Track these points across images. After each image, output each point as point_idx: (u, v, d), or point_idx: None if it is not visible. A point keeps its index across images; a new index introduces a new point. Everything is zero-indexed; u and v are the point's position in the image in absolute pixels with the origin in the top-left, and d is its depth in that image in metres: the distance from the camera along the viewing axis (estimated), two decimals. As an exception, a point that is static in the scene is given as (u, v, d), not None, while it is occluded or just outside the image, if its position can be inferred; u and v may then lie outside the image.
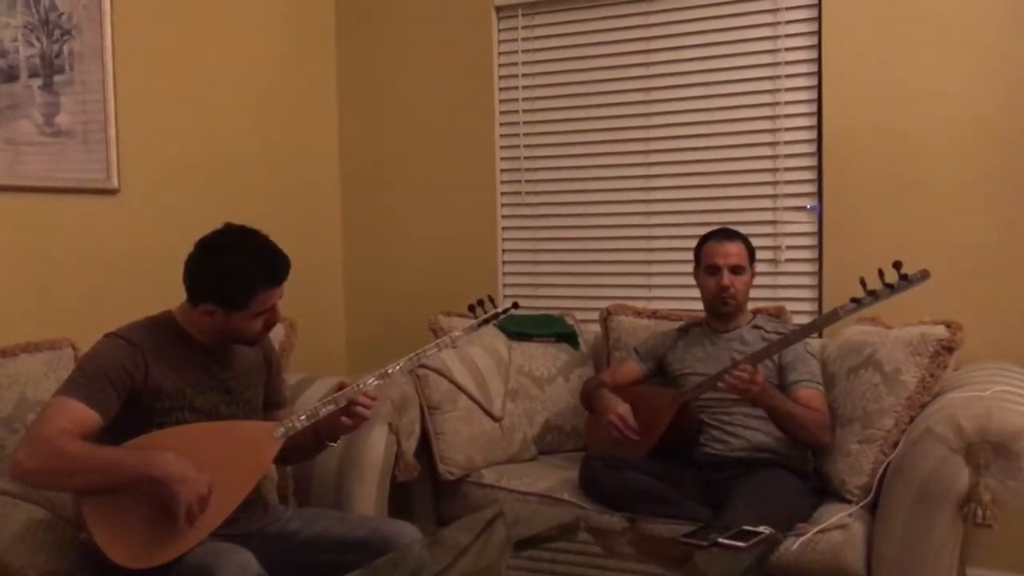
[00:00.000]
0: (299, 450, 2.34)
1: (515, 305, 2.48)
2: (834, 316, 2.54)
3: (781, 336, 2.69)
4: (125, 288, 2.97)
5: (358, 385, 2.20)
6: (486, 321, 2.42)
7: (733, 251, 2.81)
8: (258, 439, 2.16)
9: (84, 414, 1.97)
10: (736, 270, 2.81)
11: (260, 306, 2.13)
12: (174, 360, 2.13)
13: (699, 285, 2.91)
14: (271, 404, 2.40)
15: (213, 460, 2.02)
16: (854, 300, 2.50)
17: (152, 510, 1.97)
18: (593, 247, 3.60)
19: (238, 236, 2.14)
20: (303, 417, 2.18)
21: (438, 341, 2.34)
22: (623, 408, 2.83)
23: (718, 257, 2.81)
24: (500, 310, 2.43)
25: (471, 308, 2.44)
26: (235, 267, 2.09)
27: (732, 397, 2.75)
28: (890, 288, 2.46)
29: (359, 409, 2.21)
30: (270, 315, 2.17)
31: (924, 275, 2.45)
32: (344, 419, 2.21)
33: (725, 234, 2.86)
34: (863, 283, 2.48)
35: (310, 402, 2.38)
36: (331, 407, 2.19)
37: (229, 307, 2.11)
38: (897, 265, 2.42)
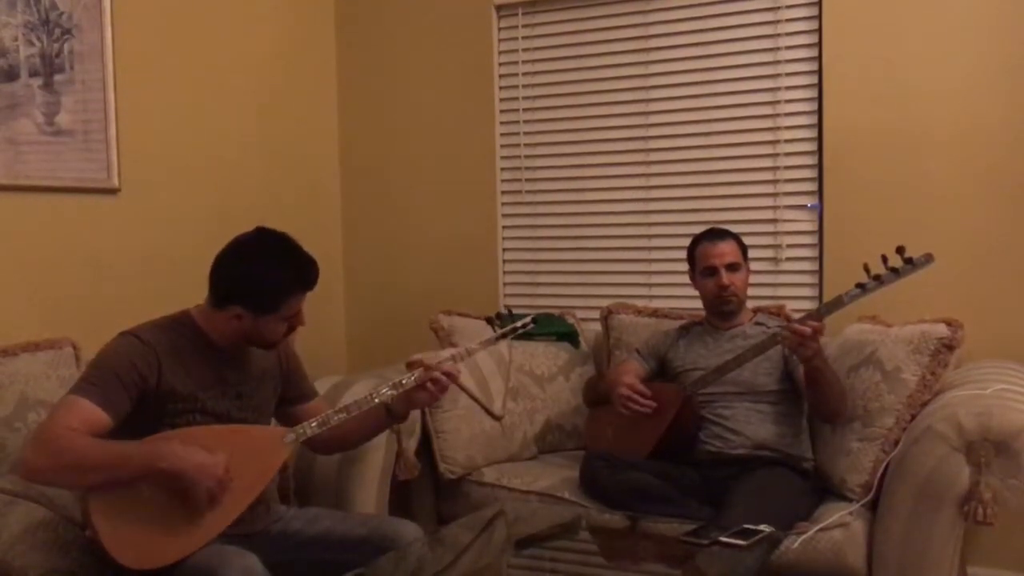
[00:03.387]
0: (358, 432, 2.40)
1: (534, 320, 2.49)
2: (839, 303, 2.54)
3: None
4: (125, 287, 2.97)
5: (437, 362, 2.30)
6: (504, 335, 2.42)
7: (727, 250, 2.81)
8: (268, 445, 2.17)
9: (94, 414, 1.96)
10: (732, 268, 2.81)
11: (289, 310, 2.14)
12: (188, 362, 2.13)
13: (697, 288, 2.90)
14: (297, 399, 2.41)
15: None
16: (859, 285, 2.50)
17: (159, 508, 1.98)
18: (593, 246, 3.60)
19: (274, 241, 2.15)
20: (314, 424, 2.20)
21: (454, 353, 2.36)
22: (629, 377, 2.82)
23: (713, 258, 2.81)
24: (519, 324, 2.43)
25: (489, 321, 2.44)
26: (271, 273, 2.11)
27: (734, 392, 2.75)
28: (895, 272, 2.46)
29: (440, 377, 2.29)
30: (295, 319, 2.18)
31: (928, 259, 2.45)
32: (429, 386, 2.28)
33: (715, 234, 2.86)
34: (867, 269, 2.48)
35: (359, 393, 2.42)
36: (343, 415, 2.22)
37: (259, 311, 2.11)
38: (900, 250, 2.42)
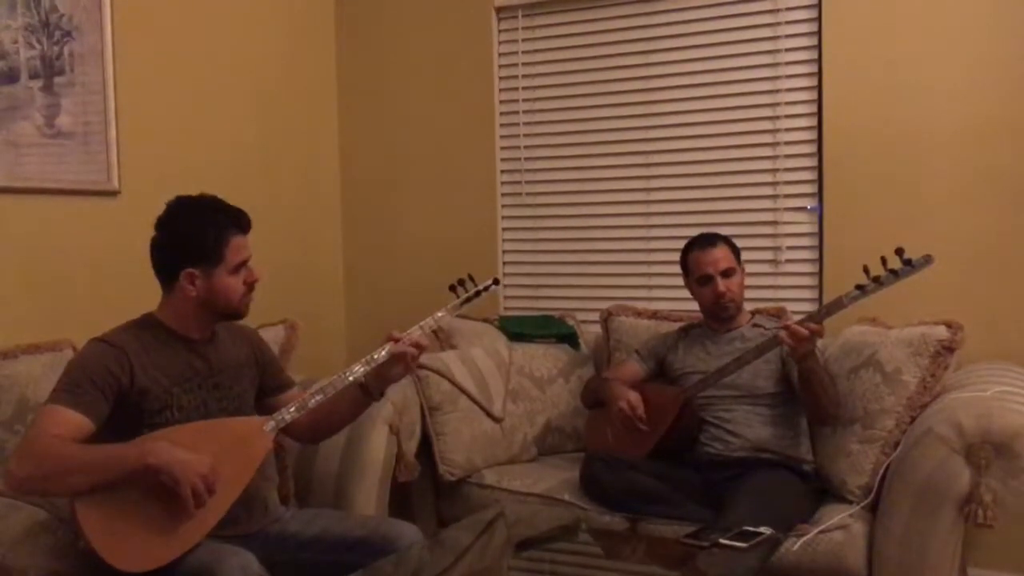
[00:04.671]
0: (338, 415, 2.37)
1: (495, 281, 2.43)
2: (839, 304, 2.53)
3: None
4: (125, 290, 2.95)
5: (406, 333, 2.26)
6: (467, 300, 2.38)
7: (720, 256, 2.79)
8: (249, 435, 2.16)
9: (75, 420, 1.97)
10: (727, 274, 2.80)
11: (236, 256, 2.16)
12: (159, 360, 2.13)
13: (694, 295, 2.89)
14: (275, 389, 2.41)
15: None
16: (859, 287, 2.49)
17: (149, 510, 1.97)
18: (594, 248, 3.60)
19: (191, 200, 2.20)
20: (292, 409, 2.20)
21: (421, 324, 2.30)
22: (635, 396, 2.82)
23: (707, 266, 2.80)
24: (481, 287, 2.39)
25: (452, 288, 2.39)
26: (201, 223, 2.15)
27: (733, 395, 2.75)
28: (894, 274, 2.45)
29: (409, 349, 2.24)
30: (248, 274, 2.20)
31: (927, 260, 2.45)
32: (402, 360, 2.24)
33: (707, 240, 2.84)
34: (866, 271, 2.48)
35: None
36: (319, 397, 2.21)
37: (208, 263, 2.13)
38: (900, 251, 2.42)
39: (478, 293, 2.39)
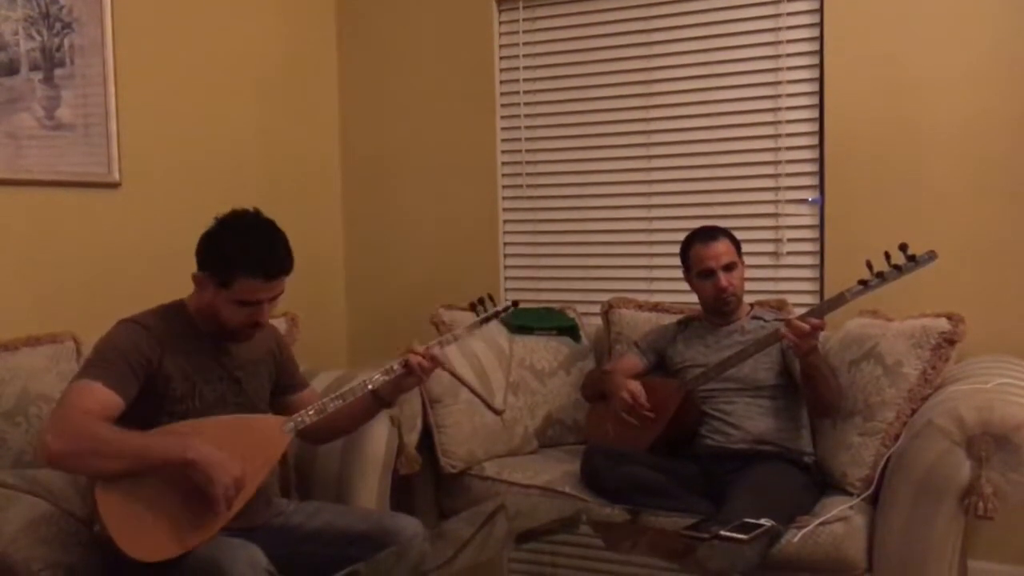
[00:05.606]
0: (349, 419, 2.39)
1: (515, 304, 2.52)
2: (841, 299, 2.53)
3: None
4: (126, 281, 2.97)
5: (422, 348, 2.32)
6: (486, 320, 2.46)
7: (722, 250, 2.78)
8: (269, 434, 2.18)
9: (108, 397, 1.97)
10: (729, 268, 2.79)
11: (242, 294, 2.10)
12: (185, 348, 2.14)
13: (694, 288, 2.88)
14: (289, 388, 2.42)
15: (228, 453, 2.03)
16: (862, 282, 2.49)
17: (169, 502, 1.98)
18: (594, 240, 3.59)
19: (250, 219, 2.15)
20: (312, 412, 2.21)
21: (440, 339, 2.37)
22: (636, 385, 2.82)
23: (709, 260, 2.79)
24: (500, 308, 2.47)
25: (472, 306, 2.45)
26: (232, 245, 2.11)
27: (734, 387, 2.75)
28: (897, 269, 2.46)
29: (425, 363, 2.28)
30: (255, 312, 2.14)
31: (931, 256, 2.45)
32: (416, 370, 2.28)
33: (709, 234, 2.83)
34: (869, 266, 2.48)
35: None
36: (339, 402, 2.23)
37: (216, 282, 2.11)
38: (903, 247, 2.42)
39: (497, 314, 2.46)
